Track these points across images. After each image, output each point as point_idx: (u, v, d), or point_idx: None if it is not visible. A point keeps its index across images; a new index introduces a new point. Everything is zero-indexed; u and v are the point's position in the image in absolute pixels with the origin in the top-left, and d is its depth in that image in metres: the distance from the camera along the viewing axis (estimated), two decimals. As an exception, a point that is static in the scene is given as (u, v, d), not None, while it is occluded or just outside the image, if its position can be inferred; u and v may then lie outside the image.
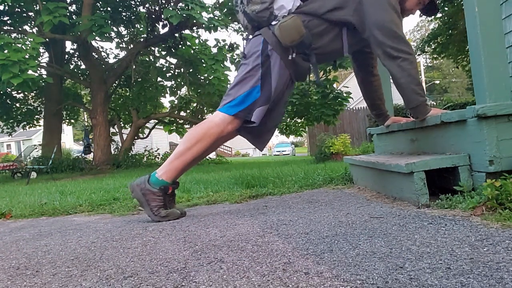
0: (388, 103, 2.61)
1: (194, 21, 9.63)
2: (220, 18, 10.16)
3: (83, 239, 1.71)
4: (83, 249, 1.51)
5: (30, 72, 8.03)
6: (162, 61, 13.13)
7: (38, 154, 12.43)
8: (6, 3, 8.78)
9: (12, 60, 7.53)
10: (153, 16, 11.46)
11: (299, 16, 1.92)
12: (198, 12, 8.96)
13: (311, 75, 2.10)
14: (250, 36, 2.09)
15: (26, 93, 12.58)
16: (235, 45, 12.05)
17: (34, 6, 9.61)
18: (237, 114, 1.98)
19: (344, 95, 10.71)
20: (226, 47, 11.79)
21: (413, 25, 38.82)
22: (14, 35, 11.04)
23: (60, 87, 12.60)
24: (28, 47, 8.17)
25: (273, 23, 1.98)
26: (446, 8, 12.59)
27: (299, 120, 12.56)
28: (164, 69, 12.96)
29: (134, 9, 12.04)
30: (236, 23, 11.88)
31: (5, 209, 2.84)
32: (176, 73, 12.80)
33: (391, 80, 2.14)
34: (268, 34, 1.97)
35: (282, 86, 2.03)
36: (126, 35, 12.97)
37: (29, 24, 11.55)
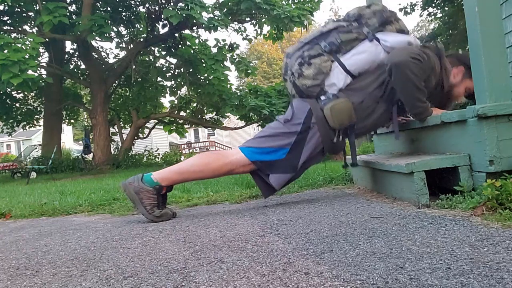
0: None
1: (194, 21, 9.64)
2: (220, 18, 10.15)
3: (83, 239, 1.71)
4: (83, 249, 1.51)
5: (30, 72, 8.04)
6: (162, 61, 13.13)
7: (38, 154, 12.43)
8: (6, 3, 8.77)
9: (12, 60, 7.54)
10: (153, 16, 11.46)
11: (348, 98, 1.93)
12: (198, 12, 8.96)
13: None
14: (295, 100, 2.08)
15: (26, 93, 12.58)
16: (235, 45, 12.05)
17: (34, 6, 9.61)
18: (255, 162, 1.99)
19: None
20: (226, 47, 11.79)
21: (413, 25, 38.81)
22: (14, 35, 11.05)
23: (60, 87, 12.60)
24: (28, 47, 8.17)
25: (322, 97, 1.98)
26: (446, 8, 12.60)
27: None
28: (164, 69, 12.96)
29: (134, 9, 12.04)
30: (236, 23, 11.89)
31: (5, 209, 2.84)
32: (176, 73, 12.79)
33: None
34: (316, 107, 1.97)
35: (311, 158, 2.04)
36: (126, 35, 12.96)
37: (29, 24, 11.55)
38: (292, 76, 2.03)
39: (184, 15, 9.06)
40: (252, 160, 1.99)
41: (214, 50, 11.80)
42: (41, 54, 11.42)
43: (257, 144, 2.01)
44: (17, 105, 13.54)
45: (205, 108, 13.31)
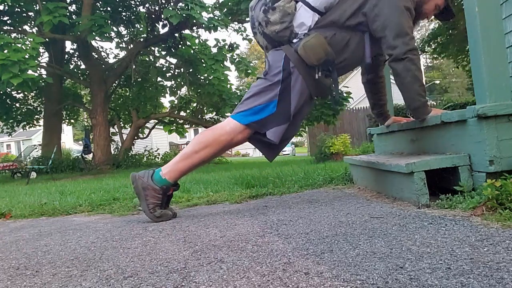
0: (388, 103, 2.61)
1: (194, 21, 9.64)
2: (220, 18, 10.15)
3: (83, 239, 1.71)
4: (83, 249, 1.51)
5: (30, 72, 8.03)
6: (162, 61, 13.14)
7: (38, 154, 12.43)
8: (6, 3, 8.77)
9: (12, 60, 7.53)
10: (153, 16, 11.46)
11: (321, 33, 1.91)
12: (198, 12, 8.96)
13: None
14: (270, 52, 2.06)
15: (26, 93, 12.57)
16: (235, 45, 12.05)
17: (34, 6, 9.61)
18: (249, 124, 1.98)
19: (344, 95, 10.71)
20: (226, 47, 11.79)
21: (413, 25, 38.66)
22: (14, 35, 11.04)
23: (60, 87, 12.59)
24: (28, 47, 8.17)
25: (295, 40, 1.96)
26: (446, 8, 12.58)
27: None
28: (164, 69, 12.96)
29: (134, 9, 12.04)
30: (236, 23, 11.89)
31: (5, 209, 2.84)
32: (176, 73, 12.80)
33: (392, 79, 2.15)
34: (290, 52, 1.95)
35: (302, 104, 2.02)
36: (126, 35, 12.97)
37: (29, 24, 11.55)
38: (260, 27, 2.01)
39: (184, 15, 9.05)
40: (246, 123, 1.97)
41: (214, 50, 11.80)
42: (41, 54, 11.42)
43: (245, 106, 1.99)
44: (17, 105, 13.53)
45: (205, 108, 13.31)
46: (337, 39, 1.94)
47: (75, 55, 13.76)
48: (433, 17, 2.15)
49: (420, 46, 14.59)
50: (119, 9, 11.58)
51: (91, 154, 11.37)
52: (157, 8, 11.30)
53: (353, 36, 1.97)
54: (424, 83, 1.88)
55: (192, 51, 11.76)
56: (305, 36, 1.93)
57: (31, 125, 14.22)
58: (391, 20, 1.86)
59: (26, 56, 7.91)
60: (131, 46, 12.29)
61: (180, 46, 11.67)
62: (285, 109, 1.97)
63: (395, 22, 1.86)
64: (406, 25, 1.87)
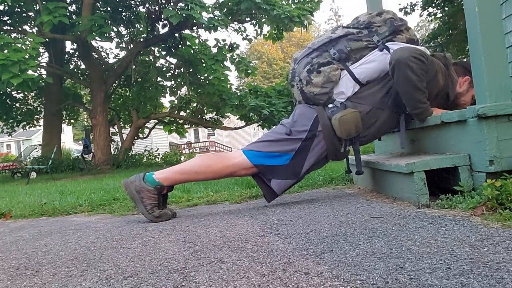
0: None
1: (194, 21, 9.63)
2: (220, 18, 10.14)
3: (83, 239, 1.71)
4: (83, 249, 1.51)
5: (30, 72, 8.03)
6: (162, 61, 13.12)
7: (38, 154, 12.43)
8: (6, 3, 8.77)
9: (12, 60, 7.53)
10: (153, 16, 11.46)
11: (356, 108, 1.92)
12: (198, 12, 8.95)
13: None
14: (301, 105, 2.07)
15: (26, 93, 12.57)
16: (235, 45, 12.05)
17: (34, 6, 9.60)
18: (258, 165, 1.99)
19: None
20: (226, 47, 11.78)
21: (413, 25, 38.82)
22: (14, 35, 11.04)
23: (60, 87, 12.59)
24: (28, 47, 8.17)
25: (330, 105, 1.97)
26: (446, 8, 12.60)
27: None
28: (164, 69, 12.95)
29: (134, 9, 12.03)
30: (236, 23, 11.89)
31: (5, 209, 2.84)
32: (176, 73, 12.79)
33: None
34: (323, 115, 1.96)
35: (314, 165, 2.04)
36: (126, 35, 12.96)
37: (29, 24, 11.54)
38: (300, 83, 2.01)
39: (184, 15, 9.05)
40: (255, 164, 1.99)
41: (214, 50, 11.79)
42: (41, 54, 11.41)
43: (260, 148, 2.01)
44: (17, 105, 13.53)
45: (205, 108, 13.31)
46: (369, 115, 1.95)
47: (75, 55, 13.76)
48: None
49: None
50: (119, 9, 11.57)
51: (91, 154, 11.36)
52: (157, 8, 11.30)
53: (383, 114, 1.98)
54: (426, 88, 1.88)
55: (192, 51, 11.75)
56: (341, 106, 1.94)
57: (31, 125, 14.22)
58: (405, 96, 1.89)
59: (26, 56, 7.91)
60: (131, 46, 12.28)
61: (180, 46, 11.66)
62: (297, 166, 1.98)
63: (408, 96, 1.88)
64: (417, 50, 1.85)
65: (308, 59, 2.00)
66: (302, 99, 2.06)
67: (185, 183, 2.11)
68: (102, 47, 14.57)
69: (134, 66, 11.52)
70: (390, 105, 1.97)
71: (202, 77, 12.14)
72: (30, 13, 10.91)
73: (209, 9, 9.77)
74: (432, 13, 13.70)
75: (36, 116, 14.13)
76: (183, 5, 9.38)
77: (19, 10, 10.70)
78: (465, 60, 2.20)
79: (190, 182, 2.10)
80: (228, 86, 12.07)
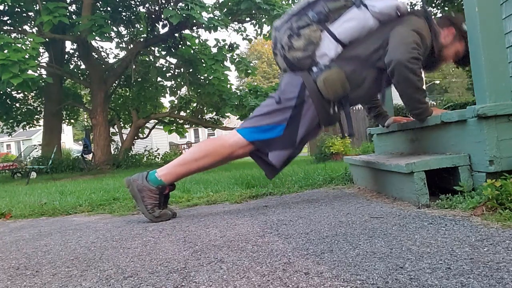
0: (388, 103, 2.61)
1: (194, 21, 9.64)
2: (220, 18, 10.14)
3: (83, 239, 1.71)
4: (83, 249, 1.51)
5: (30, 72, 8.03)
6: (162, 61, 13.13)
7: (38, 154, 12.43)
8: (6, 3, 8.77)
9: (12, 60, 7.53)
10: (153, 16, 11.46)
11: (341, 67, 1.91)
12: (198, 12, 8.96)
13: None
14: (287, 74, 2.06)
15: (26, 93, 12.56)
16: (235, 45, 12.05)
17: (34, 6, 9.60)
18: (254, 141, 1.98)
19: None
20: (226, 47, 11.79)
21: (413, 25, 38.63)
22: (14, 35, 11.04)
23: (60, 87, 12.59)
24: (28, 47, 8.17)
25: (314, 69, 1.95)
26: (446, 8, 12.60)
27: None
28: (164, 69, 12.96)
29: (134, 9, 12.03)
30: (236, 23, 11.89)
31: (5, 209, 2.84)
32: (176, 73, 12.80)
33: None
34: (308, 80, 1.95)
35: (309, 132, 2.02)
36: (126, 35, 12.96)
37: (29, 24, 11.55)
38: (282, 50, 2.00)
39: (184, 15, 9.05)
40: (251, 140, 1.97)
41: (214, 50, 11.80)
42: (41, 54, 11.41)
43: (253, 123, 2.00)
44: (17, 105, 13.53)
45: (205, 108, 13.31)
46: (356, 75, 1.94)
47: (75, 55, 13.76)
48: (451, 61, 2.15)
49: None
50: (119, 9, 11.57)
51: (91, 154, 11.37)
52: (157, 8, 11.30)
53: (370, 74, 1.96)
54: (424, 87, 1.88)
55: (192, 51, 11.76)
56: (326, 68, 1.92)
57: (31, 125, 14.22)
58: (398, 33, 1.87)
59: (26, 56, 7.91)
60: (131, 46, 12.28)
61: (180, 46, 11.67)
62: (292, 135, 1.97)
63: (402, 35, 1.86)
64: (412, 39, 1.85)
65: (288, 25, 1.99)
66: (286, 66, 2.05)
67: (188, 175, 2.09)
68: (102, 47, 14.60)
69: (134, 66, 11.52)
70: (376, 64, 1.95)
71: (202, 77, 12.14)
72: (30, 13, 10.91)
73: (209, 9, 9.77)
74: (432, 13, 13.69)
75: (36, 116, 14.13)
76: (183, 5, 9.38)
77: (19, 10, 10.70)
78: (452, 14, 2.15)
79: (192, 173, 2.07)
80: (228, 86, 12.07)
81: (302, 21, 1.95)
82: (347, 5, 1.96)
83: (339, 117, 2.07)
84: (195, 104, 13.72)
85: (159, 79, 12.98)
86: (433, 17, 2.00)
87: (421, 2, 13.07)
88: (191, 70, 11.82)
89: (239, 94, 12.03)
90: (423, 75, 1.89)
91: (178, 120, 14.09)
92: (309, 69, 1.97)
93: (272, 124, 1.96)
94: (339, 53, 1.95)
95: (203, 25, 9.61)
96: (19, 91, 11.65)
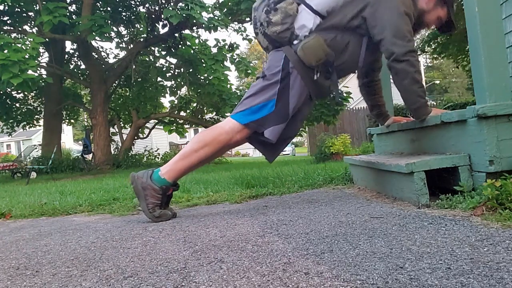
0: (388, 103, 2.61)
1: (194, 21, 9.63)
2: (220, 18, 10.14)
3: (83, 239, 1.71)
4: (83, 249, 1.51)
5: (30, 72, 8.03)
6: (162, 61, 13.13)
7: (38, 154, 12.43)
8: (6, 3, 8.77)
9: (12, 60, 7.53)
10: (153, 16, 11.46)
11: (321, 35, 1.92)
12: (198, 12, 8.96)
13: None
14: (270, 52, 2.08)
15: (26, 93, 12.57)
16: (235, 45, 12.05)
17: (34, 6, 9.60)
18: (248, 124, 1.98)
19: (344, 95, 10.69)
20: (226, 47, 11.79)
21: (413, 25, 38.65)
22: (14, 35, 11.04)
23: (60, 87, 12.59)
24: (28, 47, 8.17)
25: (295, 42, 1.97)
26: (446, 8, 12.57)
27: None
28: (164, 69, 12.96)
29: (134, 9, 12.03)
30: (236, 23, 11.88)
31: (5, 209, 2.84)
32: (176, 73, 12.79)
33: (391, 80, 2.15)
34: (290, 52, 1.97)
35: (301, 104, 2.03)
36: (126, 35, 12.96)
37: (29, 24, 11.54)
38: (262, 27, 2.02)
39: (184, 15, 9.05)
40: (245, 122, 1.98)
41: (214, 50, 11.80)
42: (41, 54, 11.42)
43: (244, 106, 2.01)
44: (17, 105, 13.53)
45: (205, 108, 13.31)
46: (337, 41, 1.95)
47: (75, 55, 13.76)
48: (434, 27, 2.15)
49: (420, 46, 14.58)
50: (119, 9, 11.57)
51: (91, 154, 11.37)
52: (157, 8, 11.30)
53: (353, 39, 1.97)
54: (424, 84, 1.88)
55: (192, 51, 11.76)
56: (305, 38, 1.94)
57: (31, 125, 14.22)
58: (390, 23, 1.87)
59: (26, 56, 7.91)
60: (131, 46, 12.29)
61: (180, 46, 11.67)
62: (283, 109, 1.97)
63: (395, 24, 1.87)
64: (405, 28, 1.87)
65: (265, 2, 2.01)
66: (268, 43, 2.06)
67: (190, 170, 2.09)
68: (102, 47, 14.61)
69: (134, 66, 11.52)
70: (356, 30, 1.96)
71: (202, 77, 12.14)
72: (30, 13, 10.91)
73: (209, 9, 9.77)
74: (432, 13, 13.67)
75: (36, 116, 14.13)
76: (183, 5, 9.38)
77: (19, 10, 10.70)
78: None
79: (195, 167, 2.07)
80: (228, 86, 12.08)
81: None
82: None
83: (329, 89, 2.06)
84: (195, 104, 13.72)
85: (159, 79, 12.98)
86: None
87: None
88: (191, 70, 11.82)
89: (239, 94, 12.02)
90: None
91: (178, 120, 14.09)
92: (290, 42, 1.99)
93: (262, 102, 1.97)
94: (317, 24, 1.97)
95: (203, 25, 9.60)
96: (19, 91, 11.64)
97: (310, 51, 1.90)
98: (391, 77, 2.05)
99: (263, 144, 2.07)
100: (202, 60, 11.34)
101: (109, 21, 9.96)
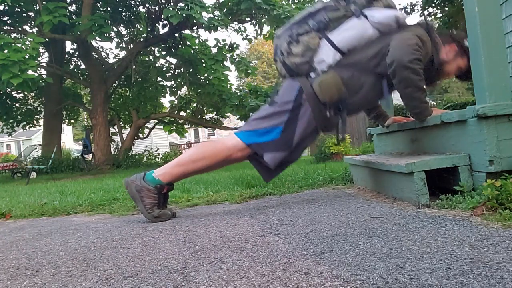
0: (388, 103, 2.61)
1: (194, 21, 9.64)
2: (220, 18, 10.15)
3: (83, 239, 1.71)
4: (83, 249, 1.51)
5: (30, 72, 8.04)
6: (162, 61, 13.14)
7: (38, 154, 12.43)
8: (6, 3, 8.77)
9: (12, 60, 7.54)
10: (153, 16, 11.46)
11: (337, 73, 1.93)
12: (198, 12, 8.96)
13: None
14: (286, 80, 2.09)
15: (26, 93, 12.57)
16: (235, 45, 12.05)
17: (34, 6, 9.61)
18: (251, 144, 2.00)
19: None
20: (226, 47, 11.79)
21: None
22: (14, 35, 11.04)
23: (60, 87, 12.60)
24: (28, 47, 8.18)
25: (312, 75, 1.98)
26: (446, 8, 12.60)
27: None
28: (164, 69, 12.96)
29: (134, 9, 12.04)
30: (236, 23, 11.88)
31: (5, 209, 2.84)
32: (176, 73, 12.80)
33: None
34: (306, 85, 1.98)
35: (306, 135, 2.03)
36: (126, 35, 12.97)
37: (29, 24, 11.55)
38: (282, 56, 2.03)
39: (184, 15, 9.06)
40: (248, 143, 1.99)
41: (214, 50, 11.80)
42: (41, 54, 11.42)
43: (251, 127, 2.02)
44: (17, 105, 13.53)
45: (205, 108, 13.31)
46: (353, 80, 1.96)
47: (75, 55, 13.76)
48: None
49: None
50: (119, 9, 11.58)
51: (91, 154, 11.37)
52: (157, 8, 11.30)
53: (368, 81, 1.98)
54: (425, 88, 1.89)
55: (192, 51, 11.76)
56: (323, 73, 1.95)
57: (31, 125, 14.22)
58: (399, 36, 1.89)
59: (26, 56, 7.91)
60: (131, 46, 12.29)
61: (180, 46, 11.67)
62: (288, 138, 1.98)
63: (403, 36, 1.88)
64: (414, 41, 1.86)
65: (288, 32, 2.02)
66: (285, 72, 2.07)
67: (185, 177, 2.10)
68: (102, 47, 14.61)
69: (134, 66, 11.52)
70: (374, 70, 1.97)
71: (202, 77, 12.15)
72: (30, 13, 10.92)
73: (209, 9, 9.77)
74: (432, 13, 13.70)
75: (36, 116, 14.13)
76: (183, 5, 9.38)
77: (19, 10, 10.70)
78: (454, 31, 2.18)
79: (190, 175, 2.09)
80: (228, 86, 12.08)
81: (302, 28, 1.99)
82: (347, 15, 1.99)
83: (336, 123, 2.09)
84: (195, 104, 13.73)
85: (159, 79, 12.98)
86: (434, 29, 2.02)
87: (421, 2, 13.09)
88: (191, 70, 11.82)
89: (239, 94, 12.03)
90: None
91: (178, 120, 14.10)
92: (307, 75, 2.00)
93: (269, 127, 1.98)
94: (337, 60, 1.97)
95: (203, 25, 9.61)
96: (19, 91, 11.65)
97: (326, 88, 1.91)
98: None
99: (261, 165, 2.08)
100: (202, 60, 11.34)
101: (109, 21, 9.97)
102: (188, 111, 14.01)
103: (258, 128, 1.99)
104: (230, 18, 10.92)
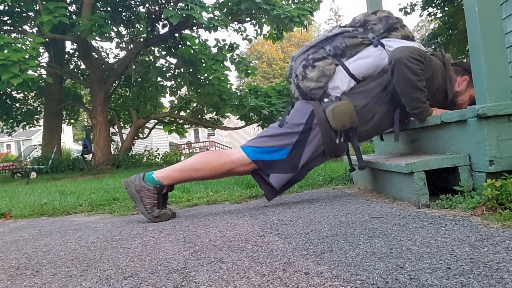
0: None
1: (194, 21, 9.63)
2: (220, 18, 10.14)
3: (83, 239, 1.71)
4: (83, 249, 1.51)
5: (30, 72, 8.03)
6: (162, 61, 13.12)
7: (38, 154, 12.43)
8: (6, 3, 8.77)
9: (12, 60, 7.53)
10: (153, 16, 11.46)
11: (352, 100, 1.94)
12: (198, 12, 8.96)
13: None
14: (299, 102, 2.10)
15: (26, 93, 12.57)
16: (235, 45, 12.05)
17: (34, 6, 9.60)
18: (256, 161, 2.00)
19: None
20: (226, 47, 11.78)
21: (413, 25, 38.81)
22: (14, 35, 11.04)
23: (60, 87, 12.59)
24: (28, 47, 8.17)
25: (325, 100, 1.99)
26: (446, 8, 12.60)
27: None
28: (164, 69, 12.95)
29: (134, 9, 12.03)
30: (236, 23, 11.88)
31: (5, 209, 2.84)
32: (176, 73, 12.79)
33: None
34: (318, 109, 1.98)
35: (312, 159, 2.04)
36: (126, 35, 12.96)
37: (29, 24, 11.54)
38: (296, 79, 2.05)
39: (184, 15, 9.05)
40: (254, 159, 2.00)
41: (214, 50, 11.79)
42: (41, 54, 11.41)
43: (258, 143, 2.02)
44: (17, 105, 13.53)
45: (205, 108, 13.30)
46: (366, 109, 1.97)
47: (75, 55, 13.76)
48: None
49: (420, 46, 14.53)
50: (119, 9, 11.57)
51: (91, 154, 11.37)
52: (157, 8, 11.30)
53: (380, 110, 1.99)
54: (425, 87, 1.89)
55: (192, 51, 11.75)
56: (336, 100, 1.96)
57: (31, 125, 14.22)
58: (402, 44, 1.91)
59: (26, 56, 7.90)
60: (131, 46, 12.28)
61: (180, 46, 11.66)
62: (295, 160, 1.99)
63: (405, 44, 1.90)
64: (415, 49, 1.86)
65: (305, 56, 2.03)
66: (299, 94, 2.09)
67: (185, 182, 2.11)
68: (102, 47, 14.59)
69: (134, 66, 11.52)
70: (387, 100, 1.98)
71: (202, 77, 12.13)
72: (30, 13, 10.91)
73: (209, 9, 9.77)
74: (432, 13, 13.70)
75: (36, 116, 14.13)
76: (183, 5, 9.38)
77: (19, 10, 10.69)
78: (464, 60, 2.21)
79: (190, 181, 2.10)
80: (228, 86, 12.07)
81: (319, 53, 2.00)
82: (364, 43, 2.00)
83: (345, 149, 2.10)
84: (195, 104, 13.72)
85: (159, 79, 12.97)
86: (450, 62, 2.05)
87: (421, 3, 13.08)
88: (191, 70, 11.81)
89: (239, 94, 12.03)
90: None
91: (178, 120, 14.09)
92: (321, 100, 2.01)
93: (277, 146, 1.99)
94: (351, 87, 1.98)
95: (203, 25, 9.60)
96: (19, 91, 11.65)
97: (339, 116, 1.91)
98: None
99: (264, 182, 2.08)
100: (202, 60, 11.33)
101: (109, 21, 9.96)
102: (188, 111, 14.00)
103: (265, 146, 2.00)
104: (230, 18, 10.91)
